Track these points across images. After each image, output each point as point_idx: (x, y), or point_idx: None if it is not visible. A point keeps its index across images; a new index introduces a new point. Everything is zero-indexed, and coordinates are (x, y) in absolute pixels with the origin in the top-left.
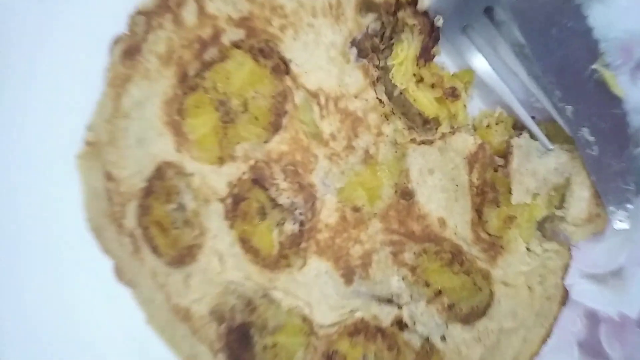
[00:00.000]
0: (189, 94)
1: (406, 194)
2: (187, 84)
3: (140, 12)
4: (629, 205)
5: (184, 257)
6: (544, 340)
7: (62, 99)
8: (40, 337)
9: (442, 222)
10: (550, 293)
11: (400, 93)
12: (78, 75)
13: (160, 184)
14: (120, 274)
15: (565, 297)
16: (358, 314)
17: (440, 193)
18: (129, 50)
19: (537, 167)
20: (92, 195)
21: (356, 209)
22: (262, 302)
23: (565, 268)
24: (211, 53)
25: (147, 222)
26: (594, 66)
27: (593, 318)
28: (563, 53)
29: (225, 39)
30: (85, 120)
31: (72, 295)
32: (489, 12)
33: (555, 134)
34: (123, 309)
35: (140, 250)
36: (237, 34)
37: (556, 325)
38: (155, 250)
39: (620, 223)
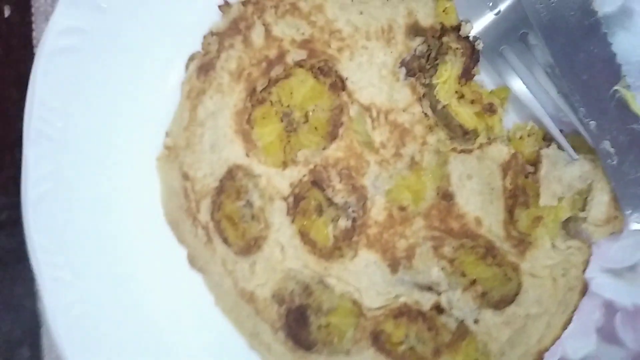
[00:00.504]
0: (257, 106)
1: (447, 196)
2: (255, 97)
3: (213, 33)
4: None
5: (250, 247)
6: (565, 326)
7: (145, 109)
8: (117, 317)
9: (478, 221)
10: (572, 284)
11: (444, 107)
12: (160, 88)
13: (231, 183)
14: (194, 261)
15: (585, 288)
16: (402, 299)
17: (477, 196)
18: (204, 66)
19: (563, 174)
20: (170, 193)
21: (402, 208)
22: (317, 287)
23: (586, 263)
24: (277, 71)
25: (219, 216)
26: (615, 87)
27: (610, 308)
28: (588, 75)
29: (289, 59)
30: (165, 127)
31: (149, 280)
32: (524, 37)
33: (580, 146)
34: (194, 292)
35: (212, 240)
36: (299, 54)
37: (577, 313)
38: (225, 240)
39: (635, 224)
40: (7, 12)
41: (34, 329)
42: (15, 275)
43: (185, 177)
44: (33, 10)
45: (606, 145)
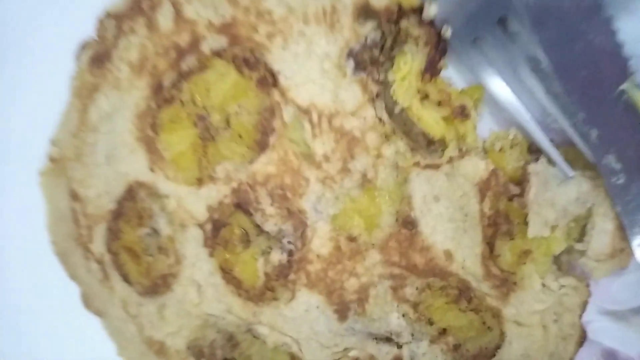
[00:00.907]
0: (164, 107)
1: (408, 223)
2: (162, 95)
3: (110, 15)
4: None
5: (157, 286)
6: None
7: (24, 110)
8: None
9: (449, 255)
10: (566, 333)
11: (403, 111)
12: (41, 84)
13: (132, 205)
14: (88, 302)
15: (582, 337)
16: (352, 353)
17: (447, 223)
18: (98, 57)
19: (556, 196)
20: (57, 216)
21: (352, 239)
22: (245, 337)
23: (583, 305)
24: (189, 62)
25: (117, 247)
26: (623, 86)
27: (612, 358)
28: (589, 71)
29: (205, 47)
30: (50, 133)
31: (37, 325)
32: (502, 22)
33: (575, 159)
34: (93, 338)
35: (109, 277)
36: (218, 41)
37: None
38: (126, 278)
39: None
40: None
41: None
42: None
43: (75, 196)
44: None
45: (610, 159)
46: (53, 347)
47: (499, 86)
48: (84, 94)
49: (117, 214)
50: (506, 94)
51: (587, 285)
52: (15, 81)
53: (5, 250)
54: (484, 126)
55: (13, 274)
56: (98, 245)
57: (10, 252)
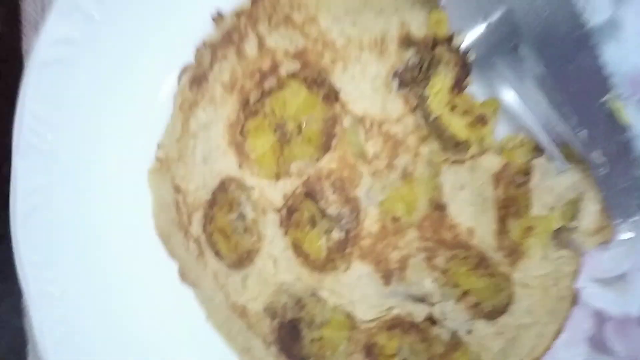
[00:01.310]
0: (250, 118)
1: (439, 207)
2: (248, 109)
3: (206, 45)
4: (633, 218)
5: (243, 260)
6: (556, 336)
7: (137, 121)
8: (106, 334)
9: (470, 232)
10: (562, 294)
11: (436, 119)
12: (151, 100)
13: (224, 196)
14: (185, 275)
15: (575, 298)
16: (395, 311)
17: (469, 206)
18: (196, 78)
19: (554, 184)
20: (162, 206)
21: (395, 219)
22: (310, 300)
23: (577, 272)
24: (270, 82)
25: (211, 229)
26: (605, 97)
27: (600, 317)
28: (579, 86)
29: (283, 70)
30: (157, 140)
31: (139, 296)
32: (515, 48)
33: (570, 156)
34: (185, 307)
35: (204, 254)
36: (293, 66)
37: (567, 323)
38: (217, 254)
39: (625, 233)
40: None
41: (19, 347)
42: (1, 293)
43: (177, 189)
44: (23, 21)
45: (597, 154)
46: (152, 316)
47: (511, 99)
48: (185, 108)
49: (212, 203)
50: (517, 105)
51: (580, 257)
52: (131, 97)
53: (116, 236)
54: (500, 131)
55: (122, 256)
56: (196, 228)
57: (120, 237)
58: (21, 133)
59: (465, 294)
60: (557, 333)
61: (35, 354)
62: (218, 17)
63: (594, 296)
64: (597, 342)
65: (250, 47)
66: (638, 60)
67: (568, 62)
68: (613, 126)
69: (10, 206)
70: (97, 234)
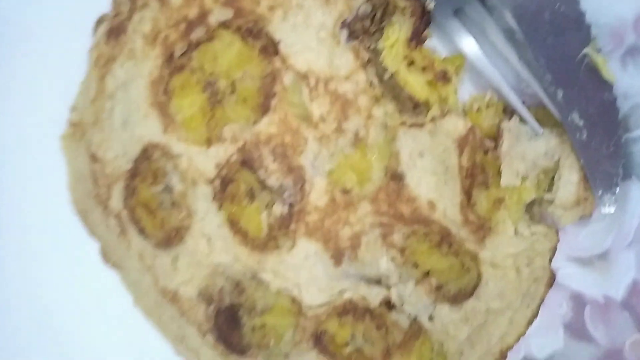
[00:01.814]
0: (176, 74)
1: (396, 177)
2: (173, 64)
3: None
4: (616, 189)
5: (171, 238)
6: (530, 322)
7: (45, 80)
8: (24, 321)
9: (432, 205)
10: (537, 275)
11: (391, 76)
12: (61, 56)
13: (147, 165)
14: (107, 256)
15: (552, 279)
16: (347, 295)
17: (430, 176)
18: (113, 30)
19: (527, 150)
20: (78, 177)
21: (346, 191)
22: (250, 283)
23: (553, 251)
24: (198, 33)
25: (134, 203)
26: (585, 50)
27: (578, 300)
28: (555, 37)
29: (213, 19)
30: (70, 101)
31: (57, 278)
32: None
33: (545, 119)
34: (110, 291)
35: (126, 232)
36: (224, 14)
37: (542, 307)
38: (142, 231)
39: (607, 207)
40: None
41: None
42: None
43: (94, 158)
44: None
45: (575, 117)
46: (72, 300)
47: (477, 54)
48: (101, 64)
49: (134, 173)
50: (484, 61)
51: (556, 233)
52: (37, 54)
53: (27, 210)
54: (464, 91)
55: (35, 232)
56: (116, 202)
57: (32, 211)
58: None
59: (426, 275)
60: (531, 319)
61: None
62: None
63: (572, 277)
64: (575, 329)
65: None
66: (620, 10)
67: (542, 10)
68: (594, 83)
69: None
70: (8, 209)
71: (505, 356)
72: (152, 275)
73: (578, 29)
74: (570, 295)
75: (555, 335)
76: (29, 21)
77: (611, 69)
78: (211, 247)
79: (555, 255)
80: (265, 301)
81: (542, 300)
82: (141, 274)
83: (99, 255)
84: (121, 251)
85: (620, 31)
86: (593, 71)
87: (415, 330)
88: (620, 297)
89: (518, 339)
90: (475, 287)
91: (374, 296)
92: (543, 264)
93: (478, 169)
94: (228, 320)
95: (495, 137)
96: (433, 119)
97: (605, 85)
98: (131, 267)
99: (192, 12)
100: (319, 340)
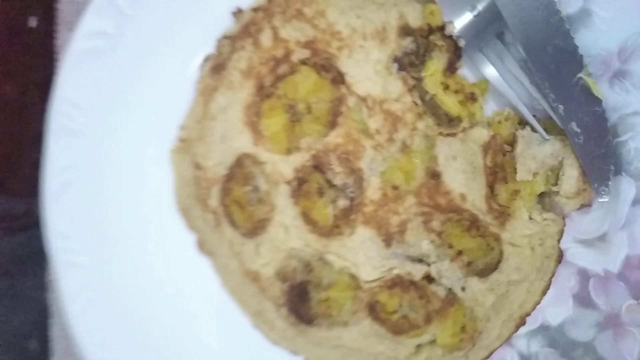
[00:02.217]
0: (265, 100)
1: (434, 175)
2: (263, 92)
3: (226, 37)
4: (609, 183)
5: (256, 229)
6: (544, 292)
7: (162, 106)
8: (129, 301)
9: (463, 197)
10: (548, 253)
11: (431, 97)
12: (176, 87)
13: (240, 171)
14: (203, 245)
15: (560, 256)
16: (395, 271)
17: (462, 174)
18: (217, 66)
19: (537, 152)
20: (183, 182)
21: (395, 188)
22: (318, 264)
23: (560, 233)
24: (283, 68)
25: (228, 201)
26: (579, 75)
27: (584, 275)
28: (555, 65)
29: (295, 58)
30: (180, 121)
31: (160, 265)
32: (500, 35)
33: (551, 128)
34: (203, 275)
35: (220, 224)
36: (303, 53)
37: (554, 281)
38: (233, 223)
39: (602, 196)
40: (33, 23)
41: (42, 321)
42: (25, 270)
43: (197, 166)
44: (58, 21)
45: (573, 125)
46: (172, 284)
47: (498, 79)
48: (206, 92)
49: (229, 177)
50: (503, 85)
51: (563, 219)
52: (158, 85)
53: (141, 210)
54: (488, 108)
55: (145, 229)
56: (213, 200)
57: (143, 211)
58: (55, 115)
59: (459, 253)
60: (545, 289)
61: (58, 328)
62: (238, 12)
63: (578, 256)
64: (582, 298)
65: (266, 38)
66: (606, 45)
67: (545, 45)
68: (587, 99)
69: (42, 182)
70: (123, 209)
71: (525, 321)
72: (238, 260)
73: (573, 58)
74: (577, 270)
75: (566, 305)
76: (153, 56)
77: (600, 88)
78: (288, 234)
79: (564, 238)
80: (329, 278)
81: (553, 274)
82: (230, 259)
83: (195, 246)
84: (215, 241)
85: (607, 60)
86: (586, 90)
87: (451, 299)
88: (617, 270)
89: (534, 307)
90: (498, 262)
91: (417, 272)
92: (553, 244)
93: (499, 168)
94: (299, 294)
95: (512, 142)
96: (464, 130)
97: (596, 101)
98: (222, 254)
99: (279, 53)
100: (373, 309)
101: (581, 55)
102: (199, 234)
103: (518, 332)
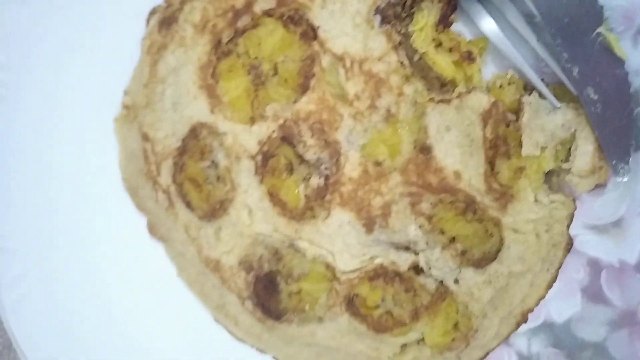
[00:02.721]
0: (223, 59)
1: (424, 150)
2: (220, 50)
3: None
4: (629, 159)
5: (215, 211)
6: (550, 285)
7: (101, 66)
8: (72, 292)
9: (458, 175)
10: (556, 240)
11: (420, 57)
12: (116, 44)
13: (194, 143)
14: (154, 229)
15: (569, 244)
16: (378, 261)
17: (456, 148)
18: (165, 20)
19: (546, 122)
20: (129, 156)
21: (378, 164)
22: (288, 251)
23: (570, 217)
24: (244, 21)
25: (182, 178)
26: (598, 30)
27: (595, 266)
28: (570, 18)
29: (257, 8)
30: (123, 85)
31: (105, 251)
32: None
33: (562, 95)
34: (155, 263)
35: (174, 205)
36: (268, 3)
37: (561, 274)
38: (188, 205)
39: (621, 175)
40: None
41: None
42: None
43: (145, 138)
44: None
45: (590, 91)
46: (119, 272)
47: (499, 36)
48: (154, 51)
49: (182, 151)
50: (505, 43)
51: (574, 201)
52: (95, 42)
53: (81, 188)
54: (487, 70)
55: (87, 209)
56: (165, 178)
57: (85, 189)
58: None
59: (452, 240)
60: (551, 282)
61: None
62: None
63: (588, 244)
64: (592, 292)
65: None
66: None
67: None
68: (607, 60)
69: None
70: (61, 186)
71: (526, 318)
72: (196, 246)
73: (592, 10)
74: (587, 261)
75: (573, 299)
76: (88, 12)
77: (623, 47)
78: (252, 218)
79: (573, 223)
80: (302, 268)
81: (561, 264)
82: (186, 246)
83: (146, 229)
84: (168, 224)
85: (630, 13)
86: (606, 49)
87: (442, 292)
88: (635, 261)
89: (538, 302)
90: (497, 251)
91: (403, 261)
92: (561, 230)
93: (501, 141)
94: (266, 286)
95: (517, 110)
96: (459, 96)
97: (618, 62)
98: (176, 239)
99: (239, 2)
100: (351, 303)
101: (601, 6)
102: (149, 216)
103: (518, 329)
